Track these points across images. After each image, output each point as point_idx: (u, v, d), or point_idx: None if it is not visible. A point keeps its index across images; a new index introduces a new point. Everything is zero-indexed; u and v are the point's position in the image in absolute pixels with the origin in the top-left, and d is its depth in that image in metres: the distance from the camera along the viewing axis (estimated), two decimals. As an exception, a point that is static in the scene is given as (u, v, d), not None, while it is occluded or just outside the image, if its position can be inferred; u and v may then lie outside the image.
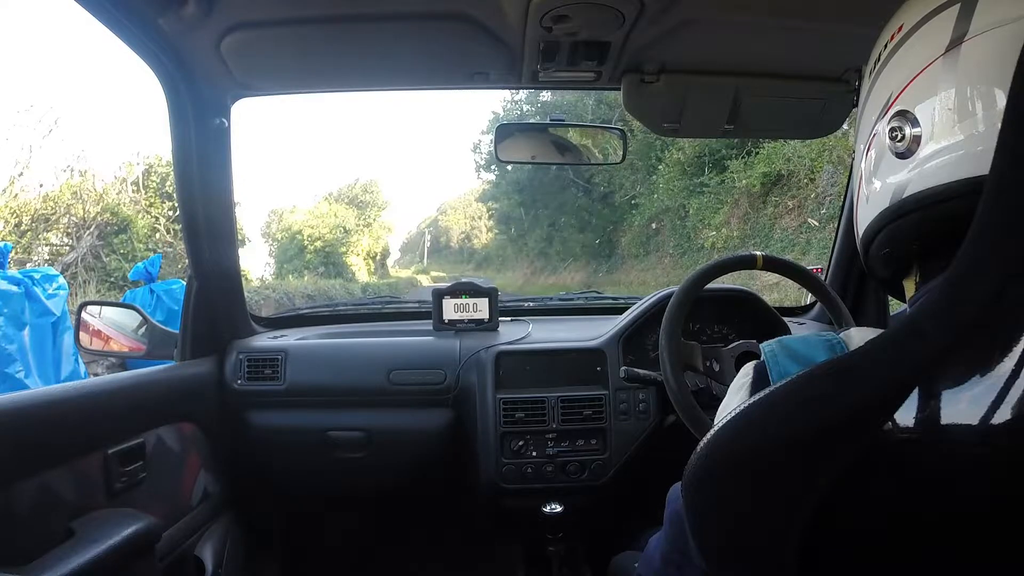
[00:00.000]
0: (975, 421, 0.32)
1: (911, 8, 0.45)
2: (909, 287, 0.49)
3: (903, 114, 0.42)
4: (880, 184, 0.45)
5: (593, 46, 0.97)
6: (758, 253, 0.99)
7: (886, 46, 0.46)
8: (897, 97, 0.43)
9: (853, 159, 0.55)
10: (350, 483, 1.33)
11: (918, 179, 0.41)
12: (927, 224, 0.41)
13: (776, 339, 0.45)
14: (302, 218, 17.54)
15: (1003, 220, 0.32)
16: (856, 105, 0.54)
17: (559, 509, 1.15)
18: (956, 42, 0.40)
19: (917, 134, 0.41)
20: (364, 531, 1.55)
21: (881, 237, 0.46)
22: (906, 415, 0.33)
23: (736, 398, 0.45)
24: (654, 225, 12.24)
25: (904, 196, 0.42)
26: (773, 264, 0.99)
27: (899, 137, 0.42)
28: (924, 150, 0.41)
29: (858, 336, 0.42)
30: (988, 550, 0.33)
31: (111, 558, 0.79)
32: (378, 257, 19.84)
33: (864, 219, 0.48)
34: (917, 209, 0.42)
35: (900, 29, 0.45)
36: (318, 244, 16.40)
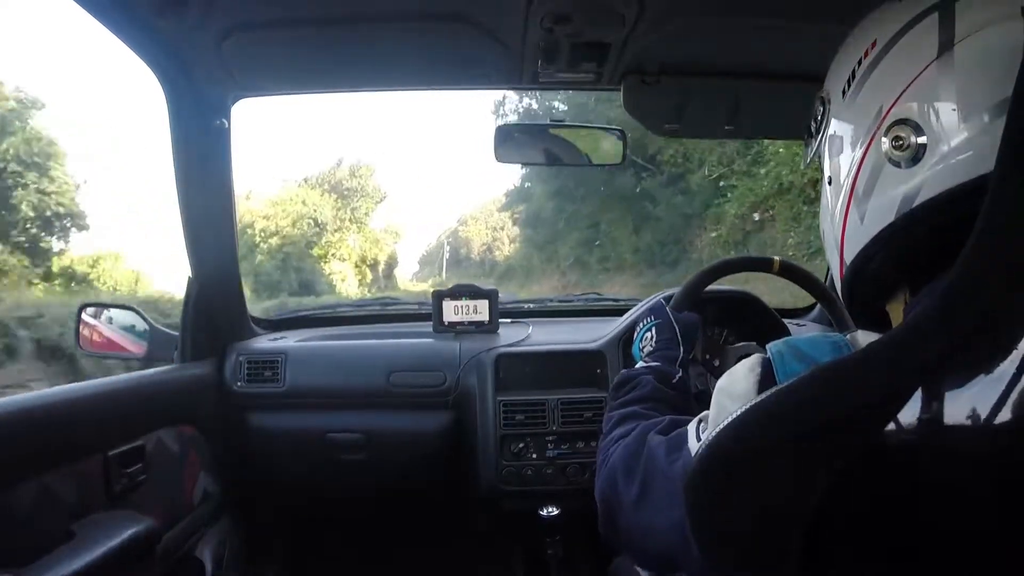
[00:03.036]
0: (977, 422, 0.32)
1: (882, 23, 0.45)
2: (895, 311, 0.48)
3: (904, 123, 0.42)
4: (881, 199, 0.44)
5: (593, 47, 0.97)
6: (776, 257, 0.98)
7: (860, 63, 0.46)
8: (891, 108, 0.43)
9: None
10: (350, 485, 1.33)
11: (930, 185, 0.41)
12: (938, 231, 0.41)
13: (783, 340, 0.44)
14: (258, 206, 12.28)
15: (1006, 223, 0.32)
16: (816, 131, 0.54)
17: (555, 512, 1.14)
18: (946, 46, 0.40)
19: (923, 141, 0.41)
20: (364, 533, 1.55)
21: (883, 255, 0.45)
22: (908, 416, 0.33)
23: (741, 387, 0.44)
24: (757, 216, 8.61)
25: (915, 205, 0.42)
26: (789, 271, 0.99)
27: (904, 146, 0.42)
28: (933, 155, 0.41)
29: (864, 339, 0.42)
30: (990, 550, 0.33)
31: (111, 560, 0.79)
32: (381, 267, 17.21)
33: (856, 242, 0.47)
34: (929, 216, 0.41)
35: (874, 44, 0.45)
36: (274, 242, 11.60)
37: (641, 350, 0.83)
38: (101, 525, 0.83)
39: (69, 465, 0.83)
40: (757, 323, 1.15)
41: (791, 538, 0.35)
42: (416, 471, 1.30)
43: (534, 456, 1.18)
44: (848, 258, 0.48)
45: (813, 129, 0.54)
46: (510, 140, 1.23)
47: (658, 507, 0.51)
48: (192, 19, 0.89)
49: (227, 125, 1.16)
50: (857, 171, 0.46)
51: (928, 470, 0.34)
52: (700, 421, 0.51)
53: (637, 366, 0.79)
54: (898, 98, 0.43)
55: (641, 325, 0.86)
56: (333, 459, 1.26)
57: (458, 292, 1.36)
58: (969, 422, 0.32)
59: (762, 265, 0.99)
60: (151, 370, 1.14)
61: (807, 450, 0.35)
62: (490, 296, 1.36)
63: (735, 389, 0.45)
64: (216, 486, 1.21)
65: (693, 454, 0.48)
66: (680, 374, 0.76)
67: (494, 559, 1.47)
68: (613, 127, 1.28)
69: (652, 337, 0.82)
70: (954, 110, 0.40)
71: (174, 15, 0.88)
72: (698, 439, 0.49)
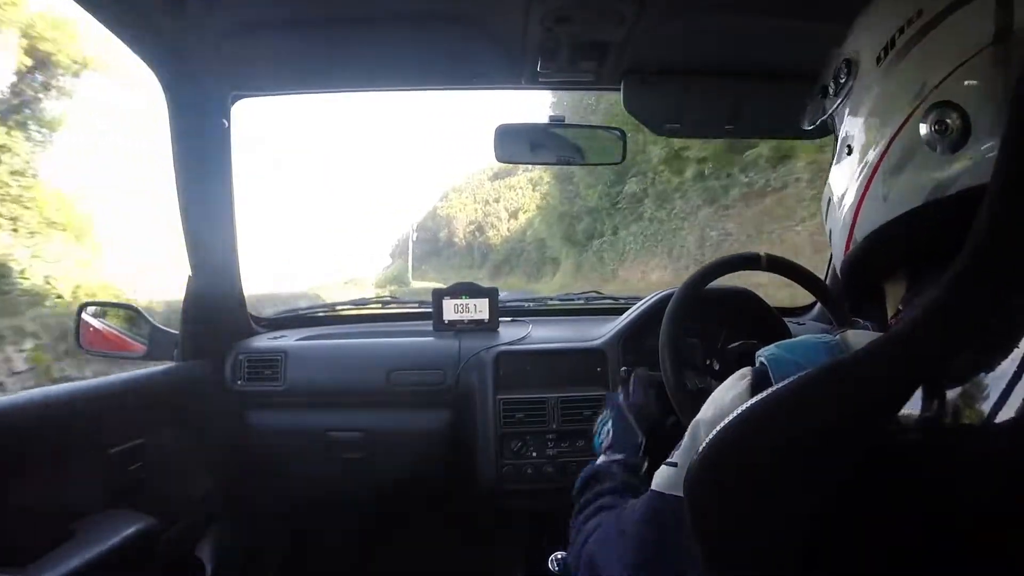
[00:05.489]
0: (977, 421, 0.32)
1: None
2: (893, 291, 0.47)
3: (947, 105, 0.40)
4: (912, 181, 0.42)
5: (593, 46, 0.97)
6: (762, 253, 0.98)
7: (902, 31, 0.44)
8: (937, 87, 0.41)
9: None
10: (350, 483, 1.33)
11: (968, 175, 0.39)
12: (968, 223, 0.38)
13: (773, 344, 0.43)
14: None
15: (1006, 221, 0.32)
16: (836, 92, 0.50)
17: (564, 554, 1.16)
18: (1004, 32, 0.38)
19: (966, 127, 0.39)
20: (364, 531, 1.55)
21: (902, 237, 0.43)
22: (908, 416, 0.33)
23: (729, 395, 0.43)
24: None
25: (949, 193, 0.40)
26: (776, 264, 0.99)
27: (946, 131, 0.40)
28: (976, 145, 0.39)
29: (854, 337, 0.41)
30: (991, 550, 0.33)
31: (111, 559, 0.79)
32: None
33: (874, 219, 0.45)
34: (962, 207, 0.38)
35: (920, 14, 0.42)
36: None
37: (601, 444, 0.83)
38: (101, 524, 0.83)
39: (69, 463, 0.83)
40: (757, 322, 1.15)
41: (792, 539, 0.35)
42: (416, 469, 1.31)
43: (534, 454, 1.18)
44: (860, 234, 0.46)
45: (831, 89, 0.50)
46: (510, 139, 1.23)
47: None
48: (192, 18, 0.89)
49: (227, 125, 1.16)
50: (887, 146, 0.43)
51: (928, 469, 0.34)
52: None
53: (600, 460, 0.78)
54: (945, 78, 0.40)
55: (598, 422, 0.87)
56: (333, 457, 1.26)
57: (458, 291, 1.37)
58: (969, 421, 0.32)
59: (750, 262, 0.98)
60: (151, 369, 1.14)
61: (807, 452, 0.35)
62: (490, 294, 1.36)
63: (723, 399, 0.43)
64: (216, 485, 1.21)
65: (655, 485, 0.48)
66: (646, 463, 0.75)
67: (495, 557, 1.47)
68: (612, 127, 1.28)
69: (610, 432, 0.82)
70: (1005, 101, 0.37)
71: (174, 15, 0.88)
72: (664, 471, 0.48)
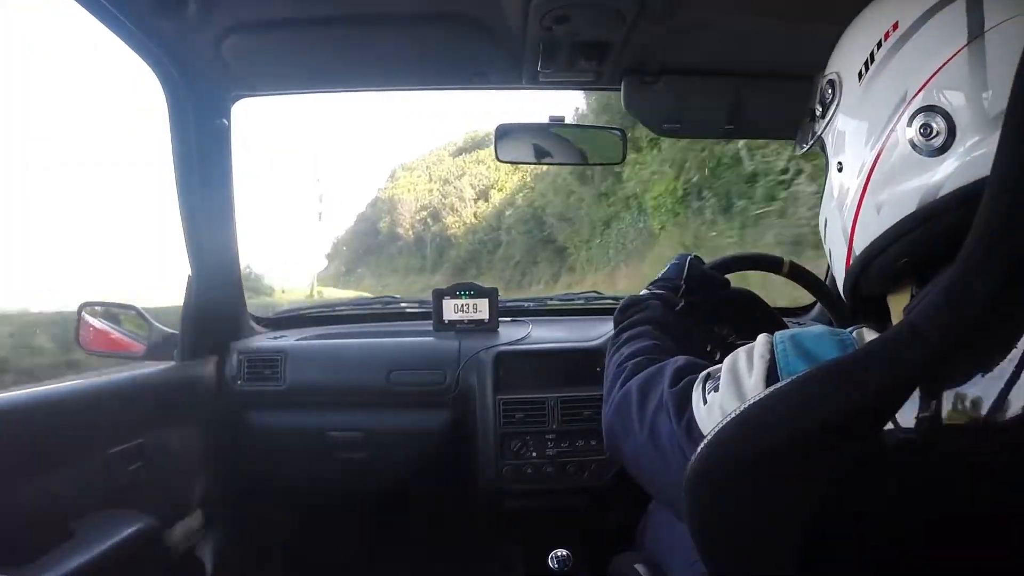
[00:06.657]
0: (976, 421, 0.32)
1: (904, 4, 0.44)
2: (897, 303, 0.47)
3: (930, 110, 0.41)
4: (903, 188, 0.42)
5: (593, 46, 0.97)
6: (786, 259, 0.94)
7: (879, 45, 0.44)
8: (917, 93, 0.41)
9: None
10: (350, 483, 1.33)
11: (957, 175, 0.40)
12: (960, 225, 0.37)
13: (790, 333, 0.43)
14: None
15: (1004, 221, 0.32)
16: (823, 115, 0.51)
17: (565, 553, 1.18)
18: (977, 32, 0.39)
19: (951, 128, 0.40)
20: (364, 531, 1.55)
21: (899, 247, 0.43)
22: (907, 415, 0.33)
23: (748, 383, 0.42)
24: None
25: (940, 195, 0.40)
26: (798, 273, 0.95)
27: (931, 134, 0.40)
28: (961, 144, 0.40)
29: (870, 336, 0.41)
30: (989, 548, 0.33)
31: (111, 559, 0.79)
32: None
33: (870, 232, 0.45)
34: (954, 208, 0.39)
35: (896, 26, 0.43)
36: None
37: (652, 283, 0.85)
38: (101, 524, 0.83)
39: (69, 463, 0.83)
40: (759, 322, 1.15)
41: (791, 537, 0.35)
42: (416, 470, 1.31)
43: (534, 454, 1.18)
44: (858, 248, 0.46)
45: (819, 113, 0.51)
46: (511, 138, 1.23)
47: (664, 459, 0.49)
48: (192, 19, 0.90)
49: (227, 124, 1.17)
50: (876, 158, 0.44)
51: (927, 469, 0.34)
52: (708, 378, 0.48)
53: (643, 291, 0.81)
54: (925, 83, 0.41)
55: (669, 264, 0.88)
56: (333, 457, 1.26)
57: (458, 291, 1.37)
58: (968, 421, 0.32)
59: (772, 265, 0.96)
60: (151, 368, 1.14)
61: (806, 451, 0.35)
62: (490, 295, 1.37)
63: (744, 380, 0.43)
64: (216, 484, 1.21)
65: (696, 418, 0.45)
66: (682, 304, 0.78)
67: (494, 558, 1.47)
68: (613, 127, 1.28)
69: (662, 273, 0.84)
70: (985, 98, 0.38)
71: (174, 15, 0.88)
72: (704, 401, 0.46)
